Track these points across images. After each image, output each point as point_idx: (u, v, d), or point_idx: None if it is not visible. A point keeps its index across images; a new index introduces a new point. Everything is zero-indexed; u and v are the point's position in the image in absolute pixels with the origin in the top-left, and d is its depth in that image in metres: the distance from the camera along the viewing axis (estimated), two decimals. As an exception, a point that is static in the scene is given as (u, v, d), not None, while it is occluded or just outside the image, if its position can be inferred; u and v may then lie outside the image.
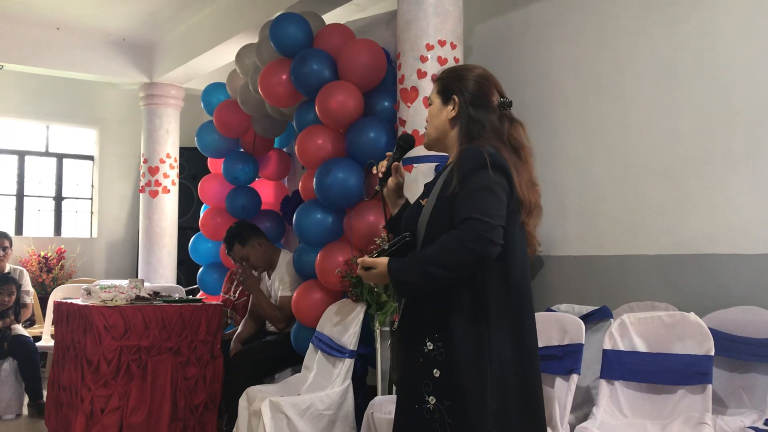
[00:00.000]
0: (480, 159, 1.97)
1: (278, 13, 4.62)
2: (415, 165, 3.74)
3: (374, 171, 2.32)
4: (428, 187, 2.22)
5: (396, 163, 2.31)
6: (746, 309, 3.13)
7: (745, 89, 3.30)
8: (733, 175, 3.32)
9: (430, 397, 1.98)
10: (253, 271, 4.65)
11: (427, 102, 2.26)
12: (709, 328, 2.94)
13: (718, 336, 2.97)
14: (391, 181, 2.33)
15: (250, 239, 4.59)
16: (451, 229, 1.94)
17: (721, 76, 3.38)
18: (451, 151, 2.20)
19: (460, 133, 2.13)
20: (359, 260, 2.07)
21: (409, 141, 2.35)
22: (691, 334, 2.96)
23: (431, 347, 1.99)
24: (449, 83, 2.17)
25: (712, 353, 2.88)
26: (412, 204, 2.25)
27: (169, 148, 7.17)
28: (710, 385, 2.84)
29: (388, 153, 2.34)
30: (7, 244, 5.53)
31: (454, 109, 2.14)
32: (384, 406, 3.35)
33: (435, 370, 1.97)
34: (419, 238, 2.07)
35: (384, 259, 2.00)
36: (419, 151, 3.55)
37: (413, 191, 3.47)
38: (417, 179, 3.70)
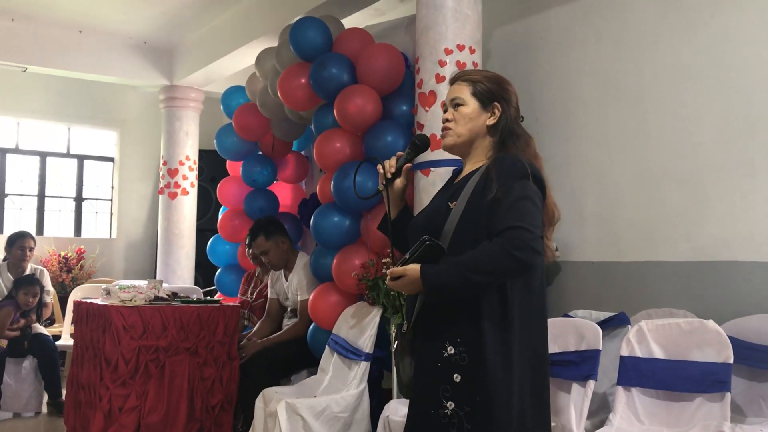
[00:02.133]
0: (522, 169, 2.00)
1: (298, 17, 4.65)
2: (433, 168, 3.74)
3: (380, 170, 2.25)
4: (452, 189, 2.16)
5: (408, 164, 2.25)
6: (766, 317, 3.10)
7: (765, 95, 3.27)
8: (752, 182, 3.29)
9: (449, 402, 1.95)
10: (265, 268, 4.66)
11: (451, 102, 2.18)
12: (728, 336, 2.92)
13: (737, 344, 2.95)
14: (399, 182, 2.26)
15: (276, 235, 4.61)
16: (485, 235, 1.95)
17: (741, 81, 3.36)
18: (474, 157, 2.17)
19: (496, 142, 2.13)
20: (389, 271, 2.02)
21: (425, 141, 2.29)
22: (709, 342, 2.93)
23: (452, 351, 1.97)
24: (493, 90, 2.15)
25: (731, 361, 2.85)
26: (432, 206, 2.20)
27: (189, 150, 7.22)
28: (729, 393, 2.81)
29: (399, 153, 2.28)
30: (32, 245, 5.60)
31: (493, 116, 2.13)
32: (399, 410, 3.35)
33: (456, 375, 1.95)
34: (446, 240, 2.02)
35: (415, 266, 1.96)
36: (438, 154, 3.55)
37: (430, 195, 3.47)
38: (434, 183, 3.69)
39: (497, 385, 1.93)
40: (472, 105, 2.15)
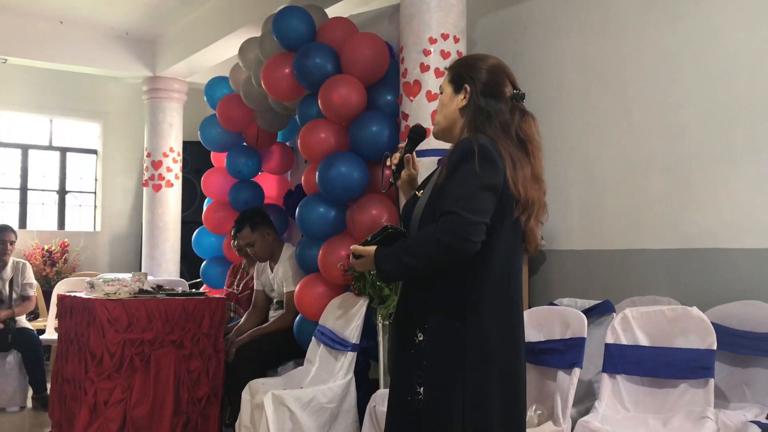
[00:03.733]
0: (468, 151, 1.92)
1: (281, 7, 4.61)
2: (419, 158, 3.71)
3: (388, 163, 2.29)
4: (427, 178, 2.19)
5: (408, 155, 2.27)
6: (749, 303, 3.13)
7: (748, 84, 3.29)
8: (736, 170, 3.31)
9: (421, 388, 1.96)
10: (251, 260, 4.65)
11: (439, 91, 2.21)
12: (712, 323, 2.94)
13: (721, 330, 2.97)
14: (404, 173, 2.29)
15: (261, 227, 4.59)
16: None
17: (725, 70, 3.37)
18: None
19: (466, 123, 2.08)
20: (351, 247, 2.08)
21: (420, 132, 2.30)
22: (693, 329, 2.96)
23: (421, 338, 1.98)
24: (461, 71, 2.12)
25: (715, 347, 2.88)
26: (410, 196, 2.22)
27: (173, 142, 7.18)
28: (712, 379, 2.84)
29: (401, 145, 2.31)
30: (12, 238, 5.54)
31: (465, 98, 2.09)
32: (386, 400, 3.35)
33: (424, 361, 1.96)
34: (413, 228, 2.03)
35: (372, 248, 2.00)
36: (423, 144, 3.54)
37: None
38: (421, 173, 3.67)
39: (440, 375, 1.93)
40: (447, 91, 2.14)
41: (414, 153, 2.31)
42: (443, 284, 1.96)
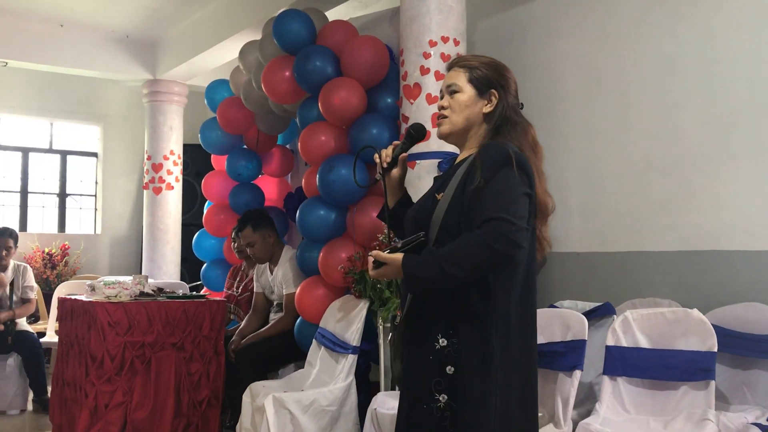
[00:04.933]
0: (506, 157, 1.90)
1: (281, 10, 4.62)
2: (418, 161, 3.73)
3: (377, 159, 2.19)
4: (441, 180, 2.12)
5: (404, 154, 2.20)
6: (749, 305, 3.13)
7: (747, 85, 3.30)
8: (736, 172, 3.32)
9: (442, 395, 1.91)
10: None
11: (447, 89, 2.12)
12: (712, 325, 2.94)
13: (721, 332, 2.97)
14: (395, 171, 2.20)
15: (264, 228, 4.60)
16: (469, 225, 1.89)
17: (724, 71, 3.38)
18: (468, 146, 2.10)
19: (490, 130, 2.05)
20: (373, 253, 1.98)
21: (421, 131, 2.23)
22: (694, 331, 2.96)
23: (444, 343, 1.92)
24: (490, 76, 2.07)
25: (715, 350, 2.88)
26: (424, 197, 2.14)
27: (173, 144, 7.18)
28: (713, 381, 2.84)
29: (395, 142, 2.23)
30: (10, 244, 5.53)
31: (490, 104, 2.06)
32: (387, 402, 3.35)
33: (449, 367, 1.91)
34: (433, 232, 1.98)
35: (398, 255, 1.93)
36: (422, 146, 3.55)
37: (416, 188, 3.47)
38: (420, 176, 3.69)
39: (476, 381, 1.89)
40: (468, 92, 2.07)
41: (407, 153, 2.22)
42: (471, 289, 1.92)
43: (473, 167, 1.95)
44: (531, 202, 1.94)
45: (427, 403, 1.93)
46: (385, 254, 1.96)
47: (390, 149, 2.20)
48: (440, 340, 1.93)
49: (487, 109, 2.06)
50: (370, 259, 1.99)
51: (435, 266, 1.86)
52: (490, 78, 2.07)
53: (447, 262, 1.85)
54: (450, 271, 1.84)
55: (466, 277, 1.87)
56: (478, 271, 1.86)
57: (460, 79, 2.09)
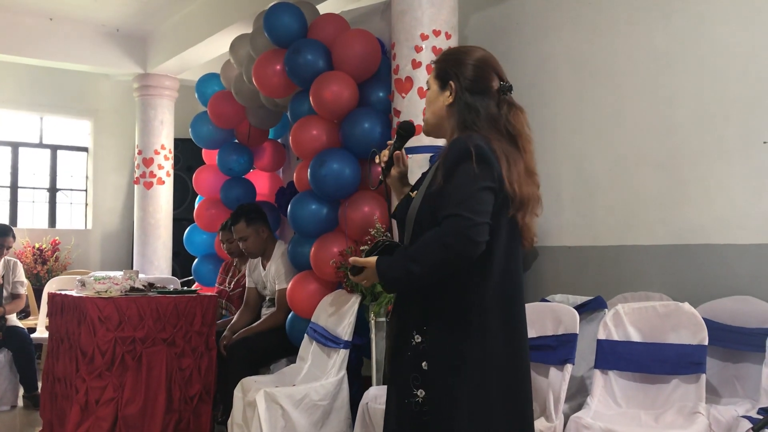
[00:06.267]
0: (465, 152, 1.88)
1: (272, 3, 4.59)
2: (410, 155, 3.72)
3: (377, 160, 2.23)
4: (420, 177, 2.15)
5: (397, 152, 2.22)
6: (740, 299, 3.14)
7: (739, 80, 3.30)
8: (727, 166, 3.32)
9: (419, 391, 1.93)
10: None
11: (426, 86, 2.16)
12: (703, 318, 2.95)
13: (712, 326, 2.98)
14: (394, 170, 2.24)
15: (257, 223, 4.58)
16: (435, 224, 1.89)
17: (716, 66, 3.38)
18: (448, 139, 2.11)
19: (456, 121, 2.04)
20: (351, 260, 2.01)
21: (408, 129, 2.25)
22: (685, 324, 2.97)
23: (419, 339, 1.94)
24: (446, 67, 2.07)
25: (706, 343, 2.89)
26: (405, 195, 2.17)
27: (164, 139, 7.15)
28: (704, 374, 2.85)
29: (389, 142, 2.26)
30: (10, 243, 5.50)
31: (450, 95, 2.04)
32: (379, 397, 3.35)
33: (424, 363, 1.93)
34: (409, 230, 2.02)
35: (373, 259, 1.95)
36: (414, 141, 3.53)
37: (412, 182, 3.46)
38: (413, 170, 3.66)
39: (441, 377, 1.91)
40: (433, 87, 2.10)
41: (403, 149, 2.26)
42: (442, 285, 1.92)
43: (438, 166, 1.97)
44: (497, 194, 1.90)
45: (407, 398, 1.95)
46: (362, 259, 1.98)
47: (386, 151, 2.23)
48: (415, 337, 1.95)
49: (448, 100, 2.05)
50: (352, 263, 2.01)
51: (402, 266, 1.88)
52: (446, 69, 2.07)
53: (411, 260, 1.86)
54: (413, 270, 1.85)
55: (428, 275, 1.87)
56: (438, 268, 1.86)
57: (430, 76, 2.13)
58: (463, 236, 1.81)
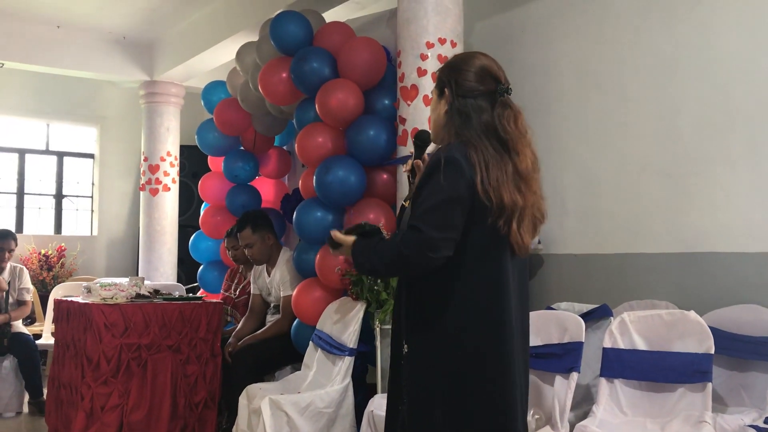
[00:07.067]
0: (436, 163, 1.90)
1: (278, 11, 4.61)
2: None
3: (404, 170, 2.30)
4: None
5: (417, 161, 2.23)
6: (746, 307, 3.13)
7: (744, 87, 3.30)
8: (732, 174, 3.32)
9: (406, 399, 1.98)
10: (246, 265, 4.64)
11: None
12: (709, 327, 2.94)
13: (718, 334, 2.97)
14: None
15: (263, 230, 4.58)
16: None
17: (721, 74, 3.38)
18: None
19: (450, 128, 2.04)
20: (332, 232, 2.09)
21: (424, 138, 2.26)
22: (691, 333, 2.96)
23: (407, 349, 1.99)
24: (442, 76, 2.10)
25: (712, 351, 2.88)
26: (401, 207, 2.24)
27: (170, 146, 7.17)
28: (710, 383, 2.84)
29: (411, 150, 2.29)
30: (12, 247, 5.52)
31: (446, 103, 2.06)
32: (384, 404, 3.34)
33: (408, 371, 1.98)
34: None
35: (351, 238, 2.03)
36: (429, 149, 3.54)
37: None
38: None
39: (415, 388, 1.95)
40: (434, 97, 2.14)
41: (425, 156, 2.25)
42: (419, 296, 1.98)
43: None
44: (467, 204, 1.88)
45: (401, 405, 2.00)
46: (342, 236, 2.07)
47: (409, 161, 2.27)
48: (404, 346, 2.00)
49: (445, 108, 2.08)
50: (331, 236, 2.10)
51: (368, 256, 1.97)
52: (442, 78, 2.11)
53: (376, 254, 1.95)
54: (375, 264, 1.96)
55: (386, 273, 2.04)
56: (395, 271, 2.00)
57: (434, 86, 2.17)
58: (419, 250, 1.86)
